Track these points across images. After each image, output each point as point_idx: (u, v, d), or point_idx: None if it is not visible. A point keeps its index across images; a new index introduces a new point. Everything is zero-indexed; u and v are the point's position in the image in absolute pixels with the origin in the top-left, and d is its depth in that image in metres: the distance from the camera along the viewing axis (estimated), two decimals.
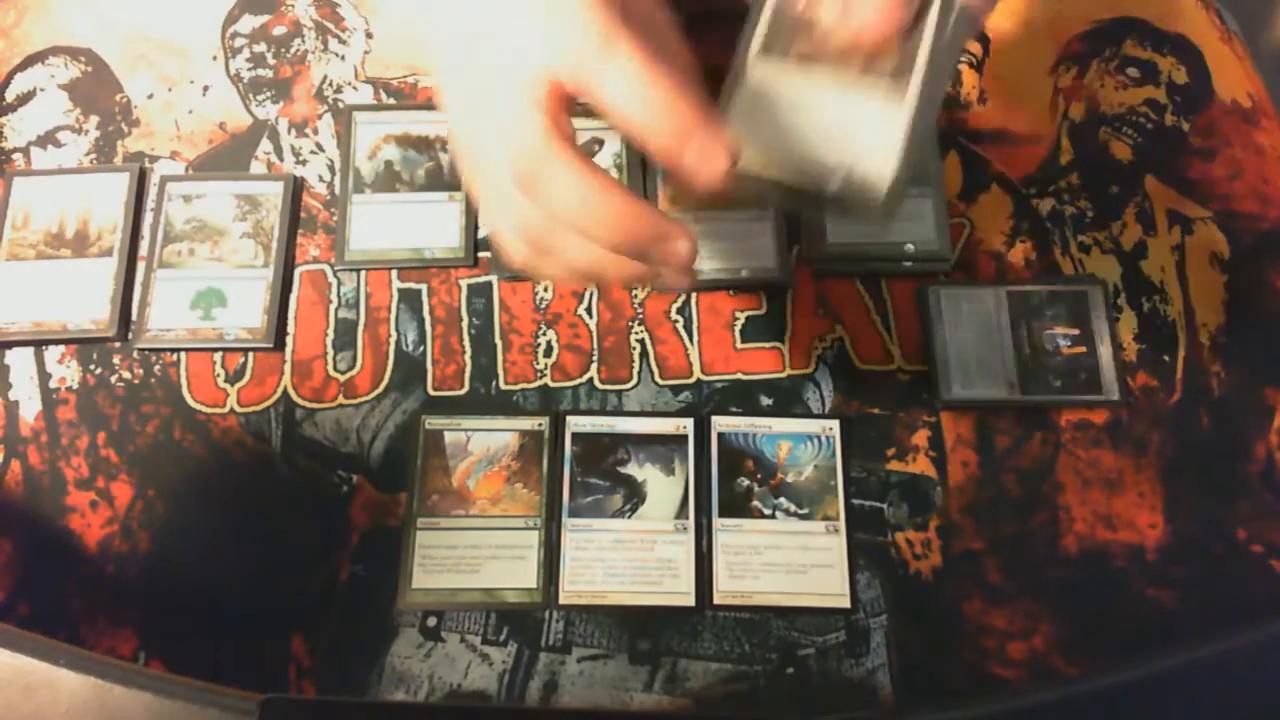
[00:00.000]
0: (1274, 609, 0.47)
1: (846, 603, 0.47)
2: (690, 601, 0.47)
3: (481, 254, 0.54)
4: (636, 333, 0.53)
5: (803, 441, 0.50)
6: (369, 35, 0.60)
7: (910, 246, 0.54)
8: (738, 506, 0.49)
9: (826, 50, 0.37)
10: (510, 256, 0.38)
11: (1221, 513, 0.49)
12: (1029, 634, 0.47)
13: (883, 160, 0.37)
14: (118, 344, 0.53)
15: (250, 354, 0.52)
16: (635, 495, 0.49)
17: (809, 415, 0.51)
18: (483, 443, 0.50)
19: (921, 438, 0.51)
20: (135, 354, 0.52)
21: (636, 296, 0.54)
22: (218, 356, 0.52)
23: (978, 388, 0.51)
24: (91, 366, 0.52)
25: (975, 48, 0.60)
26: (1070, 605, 0.48)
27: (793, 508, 0.49)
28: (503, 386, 0.52)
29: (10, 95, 0.59)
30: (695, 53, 0.40)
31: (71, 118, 0.58)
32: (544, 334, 0.53)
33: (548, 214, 0.35)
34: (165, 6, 0.61)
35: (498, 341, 0.53)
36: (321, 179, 0.56)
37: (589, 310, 0.53)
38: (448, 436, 0.50)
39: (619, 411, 0.51)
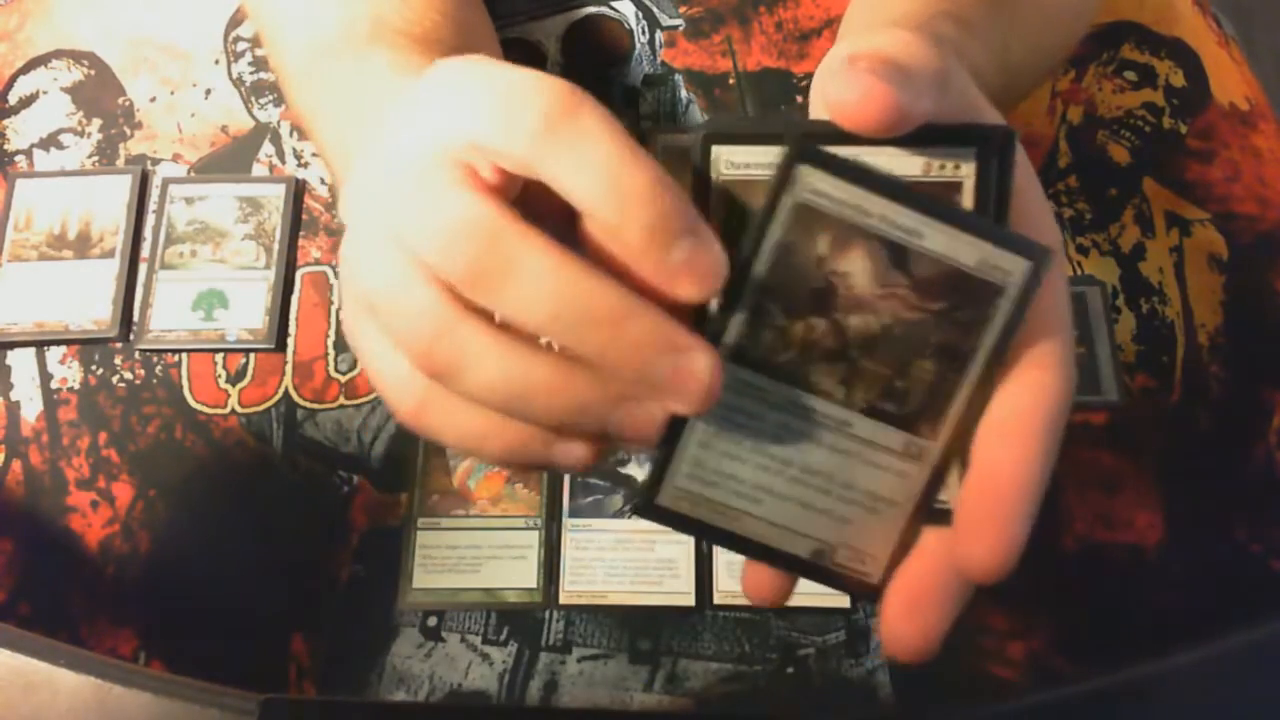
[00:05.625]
0: (1274, 609, 0.47)
1: (846, 602, 0.47)
2: (690, 601, 0.47)
3: None
4: None
5: None
6: None
7: None
8: None
9: (832, 353, 0.26)
10: (401, 406, 0.27)
11: (1221, 513, 0.49)
12: (1029, 634, 0.47)
13: (879, 533, 0.27)
14: (119, 345, 0.53)
15: (251, 355, 0.52)
16: (635, 495, 0.49)
17: None
18: None
19: None
20: (137, 355, 0.53)
21: None
22: (219, 357, 0.52)
23: None
24: (93, 367, 0.52)
25: None
26: (1070, 605, 0.48)
27: None
28: None
29: (13, 98, 0.59)
30: None
31: (74, 120, 0.58)
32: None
33: (508, 313, 0.24)
34: (168, 10, 0.61)
35: None
36: (323, 181, 0.57)
37: None
38: None
39: None
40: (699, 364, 0.24)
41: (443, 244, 0.24)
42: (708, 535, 0.27)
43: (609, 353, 0.24)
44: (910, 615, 0.26)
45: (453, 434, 0.27)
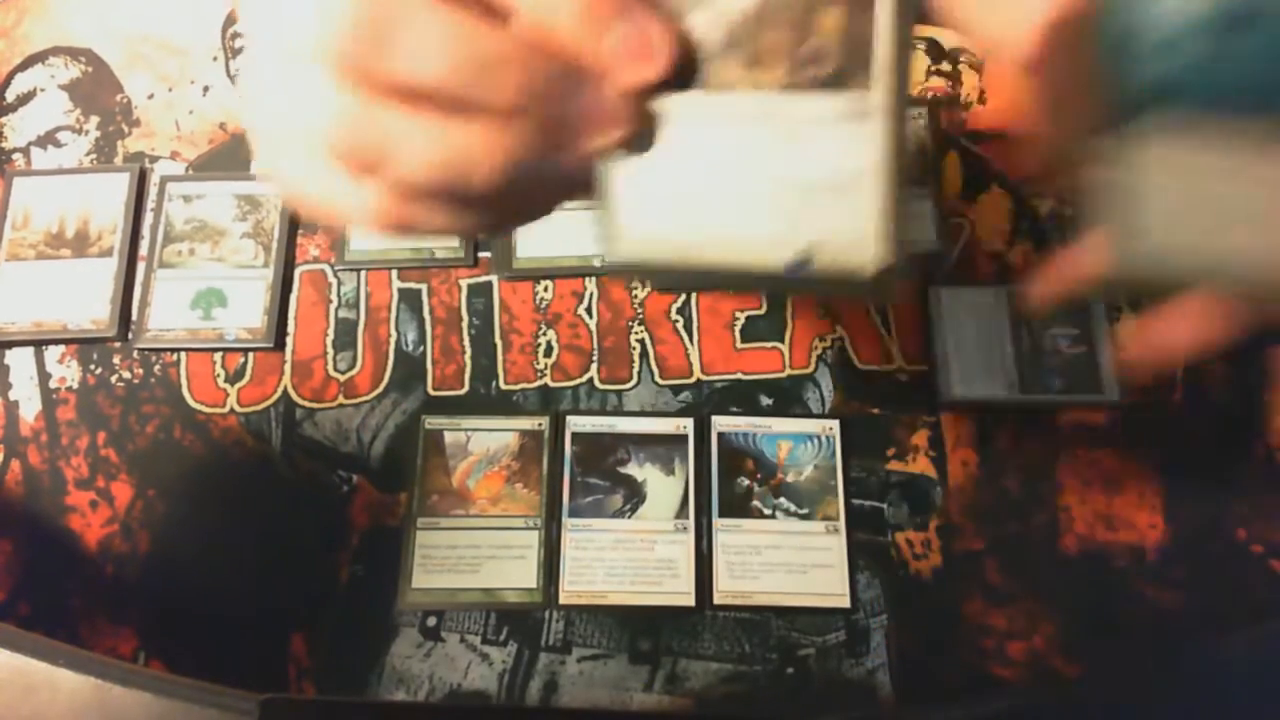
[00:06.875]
0: (1274, 609, 0.47)
1: (846, 603, 0.47)
2: (690, 601, 0.47)
3: (482, 254, 0.54)
4: (636, 333, 0.53)
5: (803, 441, 0.50)
6: None
7: (912, 246, 0.54)
8: (738, 506, 0.49)
9: (724, 45, 0.24)
10: (374, 222, 0.26)
11: (1221, 513, 0.49)
12: (1029, 634, 0.47)
13: (860, 211, 0.24)
14: (118, 344, 0.53)
15: (250, 354, 0.52)
16: (635, 495, 0.49)
17: (809, 415, 0.51)
18: (483, 443, 0.50)
19: (921, 438, 0.51)
20: (135, 354, 0.52)
21: (636, 296, 0.54)
22: (218, 356, 0.52)
23: (978, 388, 0.51)
24: (92, 366, 0.52)
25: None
26: (1070, 605, 0.48)
27: (793, 508, 0.49)
28: (503, 386, 0.52)
29: (10, 95, 0.59)
30: None
31: (72, 118, 0.58)
32: (544, 334, 0.53)
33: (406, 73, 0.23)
34: (165, 7, 0.61)
35: (498, 341, 0.53)
36: None
37: (589, 310, 0.53)
38: (448, 436, 0.50)
39: (619, 411, 0.51)
40: (609, 97, 0.23)
41: (320, 20, 0.22)
42: (682, 276, 0.26)
43: (519, 97, 0.23)
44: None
45: (433, 218, 0.26)
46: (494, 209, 0.26)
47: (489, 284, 0.54)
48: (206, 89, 0.59)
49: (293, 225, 0.55)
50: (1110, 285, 0.28)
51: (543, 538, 0.48)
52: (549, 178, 0.25)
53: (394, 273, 0.54)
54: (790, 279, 0.25)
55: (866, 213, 0.24)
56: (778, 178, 0.24)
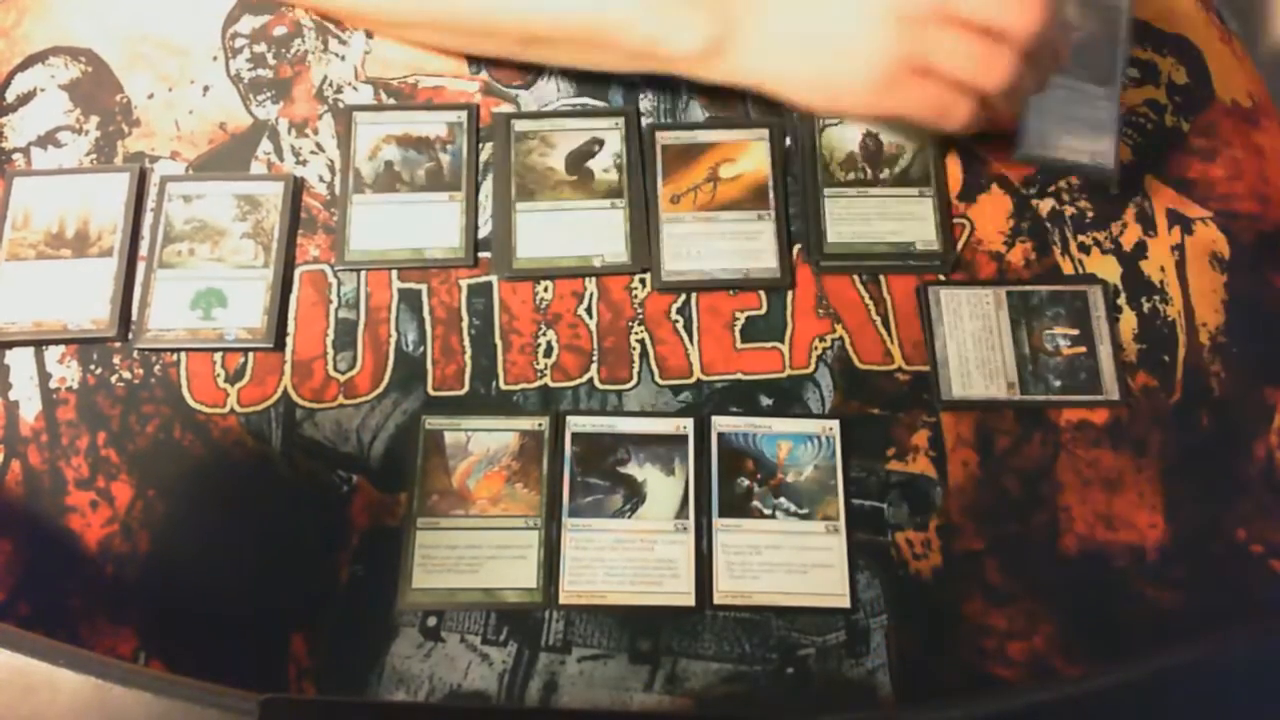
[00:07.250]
0: (1274, 609, 0.47)
1: (846, 603, 0.47)
2: (690, 601, 0.47)
3: (481, 254, 0.54)
4: (636, 333, 0.53)
5: (803, 441, 0.50)
6: (369, 35, 0.60)
7: (913, 245, 0.54)
8: (738, 506, 0.49)
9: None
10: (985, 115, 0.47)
11: (1221, 513, 0.49)
12: (1029, 634, 0.47)
13: (1108, 144, 0.53)
14: (118, 344, 0.53)
15: (250, 354, 0.52)
16: (635, 495, 0.49)
17: (809, 415, 0.51)
18: (483, 443, 0.50)
19: (921, 438, 0.51)
20: (135, 354, 0.52)
21: (636, 296, 0.54)
22: (218, 356, 0.52)
23: (978, 388, 0.51)
24: (92, 366, 0.52)
25: None
26: (1070, 605, 0.48)
27: (793, 508, 0.49)
28: (503, 386, 0.52)
29: (10, 95, 0.59)
30: None
31: (72, 118, 0.58)
32: (544, 334, 0.53)
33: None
34: (165, 7, 0.61)
35: (498, 341, 0.53)
36: (322, 179, 0.56)
37: (589, 310, 0.53)
38: (448, 436, 0.50)
39: (619, 411, 0.51)
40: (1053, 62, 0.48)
41: (1023, 13, 0.44)
42: (1053, 166, 0.55)
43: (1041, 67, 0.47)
44: None
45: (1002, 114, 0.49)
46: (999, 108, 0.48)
47: (489, 284, 0.54)
48: (206, 89, 0.59)
49: (292, 225, 0.55)
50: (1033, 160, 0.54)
51: (543, 538, 0.48)
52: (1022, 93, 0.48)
53: (394, 273, 0.54)
54: (1093, 169, 0.53)
55: (1109, 142, 0.53)
56: (1092, 119, 0.53)
